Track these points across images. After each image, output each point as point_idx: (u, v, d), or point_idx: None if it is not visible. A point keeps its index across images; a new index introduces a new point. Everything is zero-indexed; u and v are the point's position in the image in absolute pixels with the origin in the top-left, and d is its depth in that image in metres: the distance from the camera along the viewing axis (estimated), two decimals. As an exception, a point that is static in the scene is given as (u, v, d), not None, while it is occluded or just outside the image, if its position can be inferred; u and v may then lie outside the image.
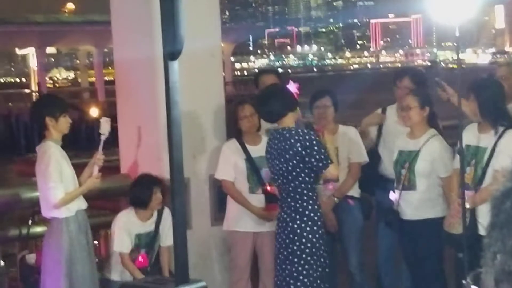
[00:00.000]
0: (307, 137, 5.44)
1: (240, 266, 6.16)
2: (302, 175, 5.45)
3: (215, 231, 6.41)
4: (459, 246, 5.30)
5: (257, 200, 6.08)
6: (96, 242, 7.36)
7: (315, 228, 5.44)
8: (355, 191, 6.33)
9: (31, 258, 5.80)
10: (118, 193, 6.53)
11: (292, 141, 5.43)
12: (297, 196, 5.48)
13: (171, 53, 4.30)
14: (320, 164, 5.40)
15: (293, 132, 5.47)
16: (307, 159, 5.40)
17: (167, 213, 5.84)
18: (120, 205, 6.76)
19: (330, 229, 6.10)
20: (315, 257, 5.44)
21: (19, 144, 31.14)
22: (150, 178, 5.88)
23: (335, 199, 6.21)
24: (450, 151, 5.87)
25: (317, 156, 5.39)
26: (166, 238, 5.84)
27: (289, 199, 5.50)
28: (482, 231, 5.34)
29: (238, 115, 6.17)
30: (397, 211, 5.90)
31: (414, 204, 5.83)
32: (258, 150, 6.07)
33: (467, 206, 5.27)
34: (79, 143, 24.97)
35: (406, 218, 5.88)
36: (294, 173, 5.44)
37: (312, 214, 5.44)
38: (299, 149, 5.40)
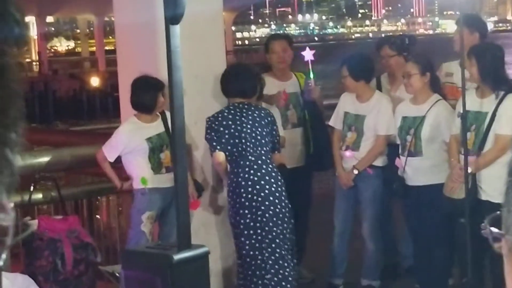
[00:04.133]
0: None
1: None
2: None
3: (216, 197, 6.41)
4: (459, 211, 5.31)
5: None
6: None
7: None
8: (378, 161, 6.25)
9: (33, 224, 5.80)
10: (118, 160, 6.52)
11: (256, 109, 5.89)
12: (268, 158, 5.85)
13: (172, 17, 4.28)
14: None
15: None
16: None
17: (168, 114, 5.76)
18: (120, 172, 6.77)
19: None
20: None
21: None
22: (152, 82, 5.83)
23: (355, 170, 6.18)
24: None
25: None
26: None
27: (259, 161, 5.78)
28: (483, 196, 5.34)
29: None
30: (403, 177, 5.91)
31: (421, 170, 5.83)
32: None
33: (469, 170, 5.27)
34: (80, 112, 24.98)
35: (412, 184, 5.88)
36: (261, 135, 5.83)
37: None
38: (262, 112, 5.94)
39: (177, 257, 4.43)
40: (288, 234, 5.76)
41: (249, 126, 5.77)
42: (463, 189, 5.29)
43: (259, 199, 5.68)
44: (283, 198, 5.74)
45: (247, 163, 5.74)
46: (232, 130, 5.77)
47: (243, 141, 5.75)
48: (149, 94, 5.82)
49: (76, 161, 6.45)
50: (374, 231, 6.29)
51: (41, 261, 5.66)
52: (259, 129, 5.81)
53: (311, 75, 6.55)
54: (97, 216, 7.52)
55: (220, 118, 5.81)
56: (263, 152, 5.78)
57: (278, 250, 5.69)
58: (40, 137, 8.76)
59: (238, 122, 5.78)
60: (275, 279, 5.69)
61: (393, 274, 6.61)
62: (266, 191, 5.69)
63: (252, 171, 5.72)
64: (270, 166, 5.78)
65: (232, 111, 5.83)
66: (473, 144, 5.42)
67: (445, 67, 6.38)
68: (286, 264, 5.72)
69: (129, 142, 5.80)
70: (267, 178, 5.72)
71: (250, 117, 5.79)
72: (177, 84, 4.35)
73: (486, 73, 5.39)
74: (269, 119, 5.89)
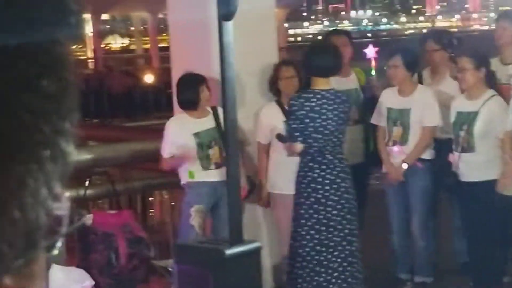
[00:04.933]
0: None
1: (284, 228, 6.19)
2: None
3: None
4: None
5: (295, 162, 6.06)
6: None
7: None
8: (426, 154, 6.23)
9: (88, 219, 5.88)
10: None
11: (342, 103, 5.74)
12: (342, 156, 5.72)
13: (225, 14, 4.30)
14: None
15: (338, 93, 5.79)
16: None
17: (220, 110, 5.75)
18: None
19: None
20: None
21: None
22: (193, 77, 5.88)
23: (404, 164, 6.16)
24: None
25: None
26: None
27: (336, 161, 5.59)
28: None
29: (279, 75, 6.19)
30: (456, 173, 5.86)
31: (474, 165, 5.78)
32: None
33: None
34: (135, 109, 25.18)
35: (466, 180, 5.83)
36: (341, 134, 5.70)
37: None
38: (347, 110, 5.78)
39: (229, 252, 4.46)
40: (356, 231, 5.76)
41: (333, 124, 5.68)
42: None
43: (335, 198, 5.66)
44: (352, 196, 5.74)
45: (325, 161, 5.68)
46: (317, 125, 5.67)
47: (326, 138, 5.68)
48: (190, 90, 5.87)
49: (130, 156, 6.52)
50: (424, 227, 6.26)
51: (95, 255, 5.74)
52: (342, 127, 5.76)
53: (373, 72, 6.53)
54: (150, 211, 7.59)
55: (307, 108, 5.69)
56: (340, 150, 5.75)
57: (348, 247, 5.69)
58: (95, 132, 8.88)
59: (324, 117, 5.68)
60: (342, 276, 5.68)
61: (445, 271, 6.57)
62: (342, 190, 5.67)
63: (328, 170, 5.66)
64: (344, 163, 5.76)
65: (319, 102, 5.70)
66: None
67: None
68: (355, 260, 5.72)
69: (177, 137, 5.85)
70: (341, 175, 5.69)
71: (335, 112, 5.70)
72: (230, 81, 4.38)
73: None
74: (347, 106, 5.84)
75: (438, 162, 6.20)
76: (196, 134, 5.90)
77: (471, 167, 5.80)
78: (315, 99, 5.66)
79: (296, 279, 5.75)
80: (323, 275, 5.65)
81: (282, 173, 6.14)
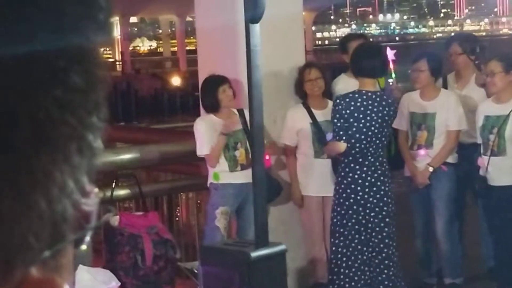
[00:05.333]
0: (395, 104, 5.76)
1: (311, 231, 6.19)
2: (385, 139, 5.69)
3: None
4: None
5: (322, 164, 6.07)
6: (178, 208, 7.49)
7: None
8: (450, 158, 6.22)
9: (114, 220, 5.91)
10: (196, 157, 6.63)
11: (387, 105, 5.72)
12: (384, 159, 5.68)
13: (253, 17, 4.32)
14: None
15: (384, 96, 5.78)
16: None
17: (246, 112, 5.68)
18: (200, 169, 6.84)
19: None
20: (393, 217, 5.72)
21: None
22: (213, 79, 5.91)
23: (430, 168, 6.15)
24: None
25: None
26: None
27: (377, 163, 5.58)
28: None
29: (304, 77, 6.20)
30: (485, 177, 5.84)
31: (504, 169, 5.76)
32: (323, 114, 6.08)
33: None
34: (162, 111, 25.32)
35: (495, 184, 5.80)
36: (385, 136, 5.69)
37: None
38: (391, 113, 5.74)
39: (254, 254, 4.46)
40: (393, 235, 5.75)
41: (377, 125, 5.65)
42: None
43: (374, 200, 5.65)
44: (391, 200, 5.73)
45: (366, 162, 5.65)
46: (361, 125, 5.64)
47: (368, 139, 5.65)
48: (209, 93, 5.90)
49: (157, 158, 6.55)
50: (448, 230, 6.25)
51: (121, 257, 5.76)
52: (386, 129, 5.73)
53: (393, 75, 6.53)
54: (177, 213, 7.62)
55: (352, 108, 5.65)
56: (382, 153, 5.73)
57: (385, 250, 5.69)
58: (122, 134, 8.92)
59: (368, 118, 5.65)
60: (379, 278, 5.69)
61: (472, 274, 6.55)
62: (382, 193, 5.66)
63: (369, 172, 5.64)
64: (385, 166, 5.74)
65: (365, 102, 5.67)
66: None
67: None
68: (392, 264, 5.71)
69: (208, 136, 5.87)
70: (382, 178, 5.68)
71: (380, 114, 5.67)
72: (256, 83, 4.39)
73: None
74: (392, 109, 5.81)
75: (464, 166, 6.19)
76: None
77: (502, 171, 5.77)
78: (360, 100, 5.66)
79: (343, 278, 5.71)
80: (367, 273, 5.67)
81: (308, 175, 6.15)
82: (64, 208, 0.58)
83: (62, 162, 0.57)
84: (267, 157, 5.64)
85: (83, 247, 0.64)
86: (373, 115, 5.63)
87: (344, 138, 5.62)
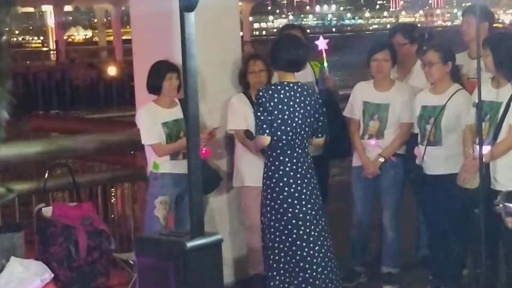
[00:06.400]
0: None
1: (251, 222, 6.16)
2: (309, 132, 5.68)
3: (231, 186, 6.41)
4: (473, 201, 5.29)
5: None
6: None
7: None
8: (400, 149, 6.25)
9: (47, 211, 5.82)
10: (132, 147, 6.57)
11: (309, 95, 5.65)
12: (308, 150, 5.67)
13: (187, 5, 4.28)
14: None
15: (305, 86, 5.73)
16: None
17: None
18: (135, 160, 6.79)
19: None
20: None
21: (37, 101, 31.29)
22: (163, 63, 5.90)
23: (381, 158, 6.18)
24: None
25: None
26: None
27: (304, 154, 5.58)
28: (497, 186, 5.32)
29: (248, 68, 6.22)
30: (421, 166, 5.90)
31: (439, 159, 5.83)
32: None
33: (484, 160, 5.24)
34: (98, 101, 25.09)
35: (430, 173, 5.87)
36: (308, 127, 5.63)
37: None
38: (313, 103, 5.68)
39: (190, 244, 4.42)
40: (327, 227, 5.73)
41: (300, 116, 5.58)
42: (476, 179, 5.26)
43: (308, 192, 5.59)
44: (319, 192, 5.70)
45: (295, 154, 5.58)
46: (285, 117, 5.55)
47: (294, 131, 5.57)
48: (155, 75, 5.89)
49: (92, 148, 6.47)
50: (395, 219, 6.31)
51: (55, 248, 5.68)
52: (310, 119, 5.64)
53: (325, 64, 6.55)
54: (112, 203, 7.54)
55: (276, 100, 5.56)
56: (306, 144, 5.67)
57: (325, 243, 5.65)
58: (57, 124, 8.80)
59: (291, 109, 5.57)
60: (325, 272, 5.62)
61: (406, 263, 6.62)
62: (312, 185, 5.62)
63: (299, 164, 5.58)
64: (310, 157, 5.69)
65: (288, 94, 5.59)
66: (487, 134, 5.39)
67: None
68: (332, 256, 5.69)
69: (152, 125, 5.83)
70: (310, 170, 5.63)
71: (302, 104, 5.60)
72: (191, 72, 4.35)
73: (502, 62, 5.36)
74: (314, 98, 5.71)
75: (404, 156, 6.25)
76: (165, 124, 5.89)
77: (437, 160, 5.84)
78: (283, 91, 5.58)
79: (281, 274, 5.62)
80: (308, 271, 5.57)
81: (247, 166, 6.13)
82: None
83: None
84: (204, 148, 5.61)
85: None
86: (296, 106, 5.58)
87: (267, 131, 5.53)
